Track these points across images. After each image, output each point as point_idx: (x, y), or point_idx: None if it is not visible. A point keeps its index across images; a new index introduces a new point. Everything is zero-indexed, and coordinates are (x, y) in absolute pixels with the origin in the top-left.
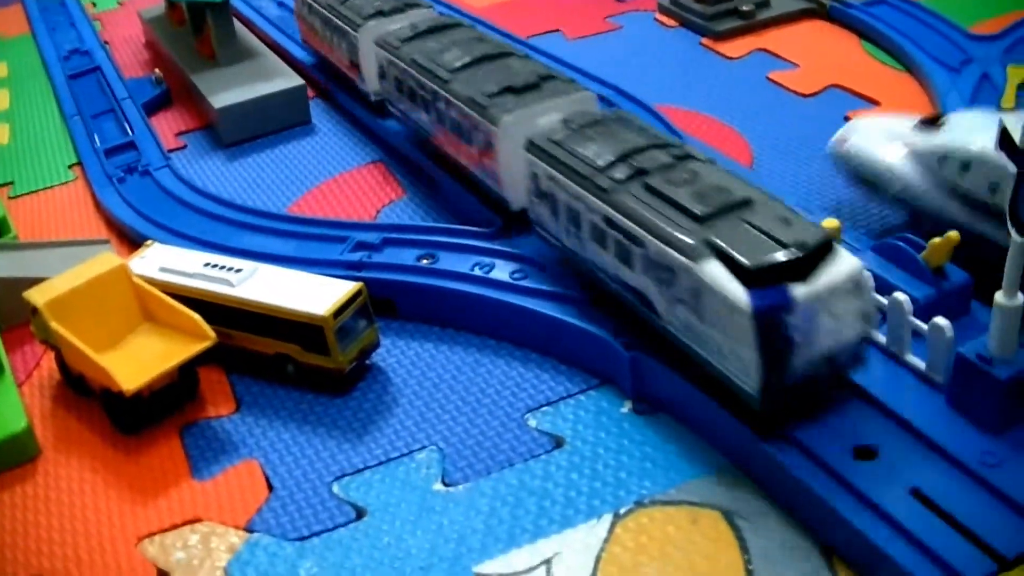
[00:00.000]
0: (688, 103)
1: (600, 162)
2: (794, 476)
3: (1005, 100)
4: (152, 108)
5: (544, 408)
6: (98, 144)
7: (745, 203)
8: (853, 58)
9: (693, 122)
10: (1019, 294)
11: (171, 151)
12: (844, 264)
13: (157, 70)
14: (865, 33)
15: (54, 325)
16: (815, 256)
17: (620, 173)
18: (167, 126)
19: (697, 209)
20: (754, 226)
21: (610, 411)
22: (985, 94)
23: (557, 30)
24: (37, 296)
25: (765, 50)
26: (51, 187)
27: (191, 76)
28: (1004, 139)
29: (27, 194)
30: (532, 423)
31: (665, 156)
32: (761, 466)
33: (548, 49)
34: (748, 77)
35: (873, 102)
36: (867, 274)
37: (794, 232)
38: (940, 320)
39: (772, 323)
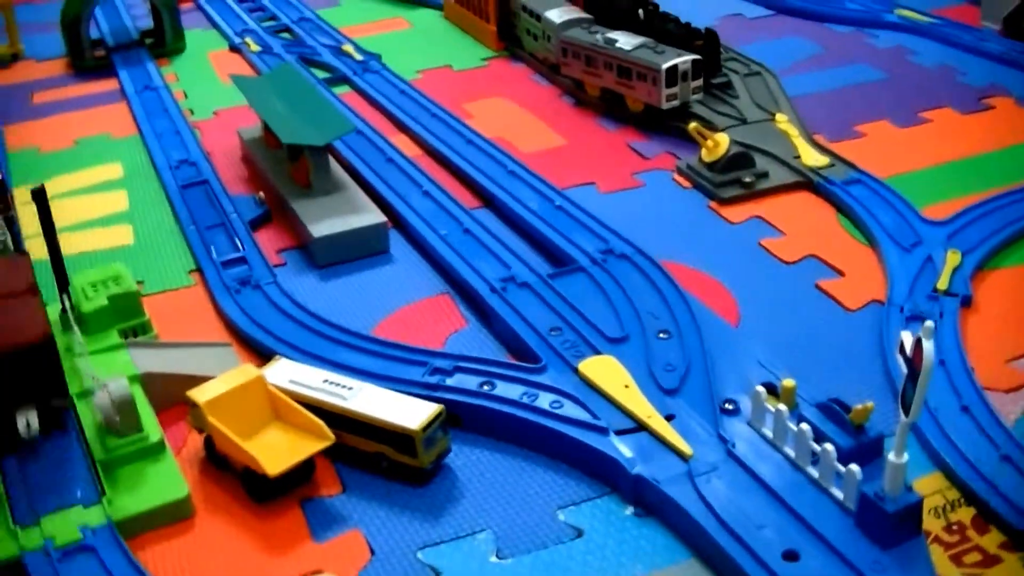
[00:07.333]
0: (690, 261)
1: None
2: (742, 570)
3: (940, 282)
4: (255, 225)
5: (570, 507)
6: (215, 256)
7: None
8: (829, 230)
9: (693, 279)
10: (904, 454)
11: (274, 267)
12: None
13: (261, 193)
14: (840, 208)
15: (211, 419)
16: None
17: None
18: (269, 243)
19: None
20: None
21: (617, 512)
22: (926, 274)
23: (592, 183)
24: (198, 395)
25: (760, 217)
26: (174, 289)
27: (290, 201)
28: (900, 347)
29: (155, 294)
30: (561, 517)
31: None
32: (720, 560)
33: (581, 201)
34: (743, 241)
35: (840, 273)
36: None
37: None
38: (853, 466)
39: None
